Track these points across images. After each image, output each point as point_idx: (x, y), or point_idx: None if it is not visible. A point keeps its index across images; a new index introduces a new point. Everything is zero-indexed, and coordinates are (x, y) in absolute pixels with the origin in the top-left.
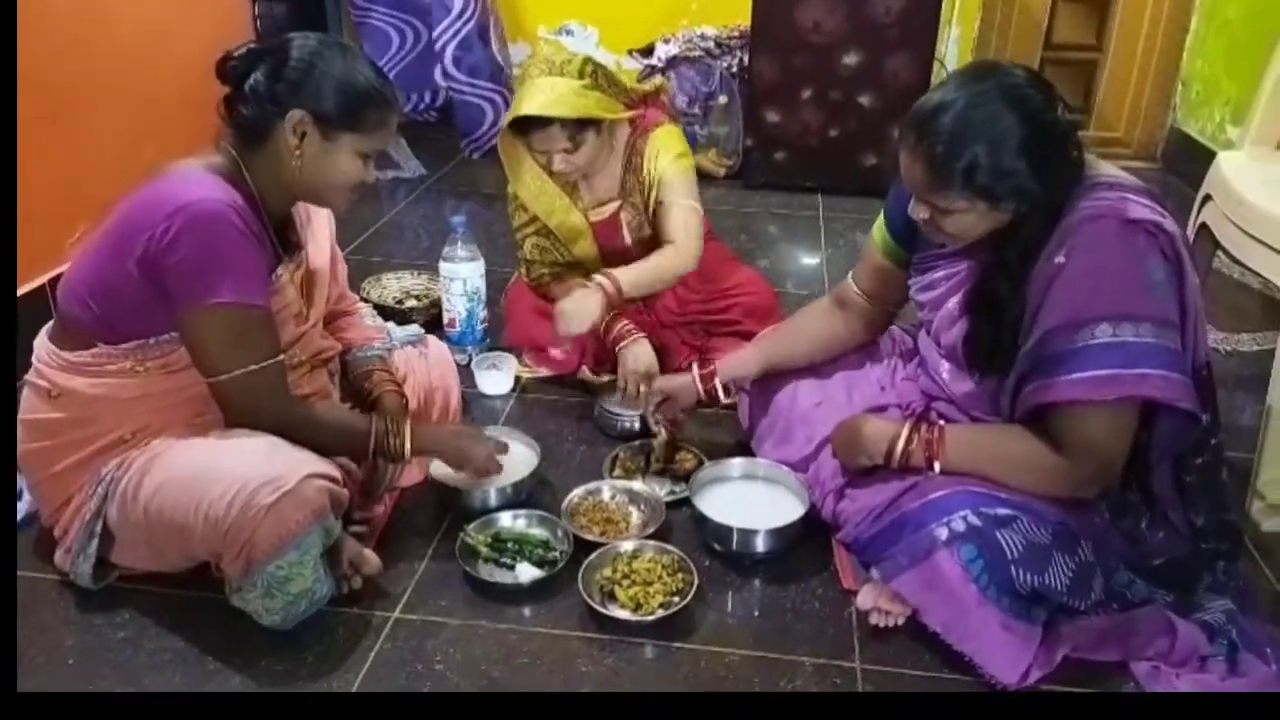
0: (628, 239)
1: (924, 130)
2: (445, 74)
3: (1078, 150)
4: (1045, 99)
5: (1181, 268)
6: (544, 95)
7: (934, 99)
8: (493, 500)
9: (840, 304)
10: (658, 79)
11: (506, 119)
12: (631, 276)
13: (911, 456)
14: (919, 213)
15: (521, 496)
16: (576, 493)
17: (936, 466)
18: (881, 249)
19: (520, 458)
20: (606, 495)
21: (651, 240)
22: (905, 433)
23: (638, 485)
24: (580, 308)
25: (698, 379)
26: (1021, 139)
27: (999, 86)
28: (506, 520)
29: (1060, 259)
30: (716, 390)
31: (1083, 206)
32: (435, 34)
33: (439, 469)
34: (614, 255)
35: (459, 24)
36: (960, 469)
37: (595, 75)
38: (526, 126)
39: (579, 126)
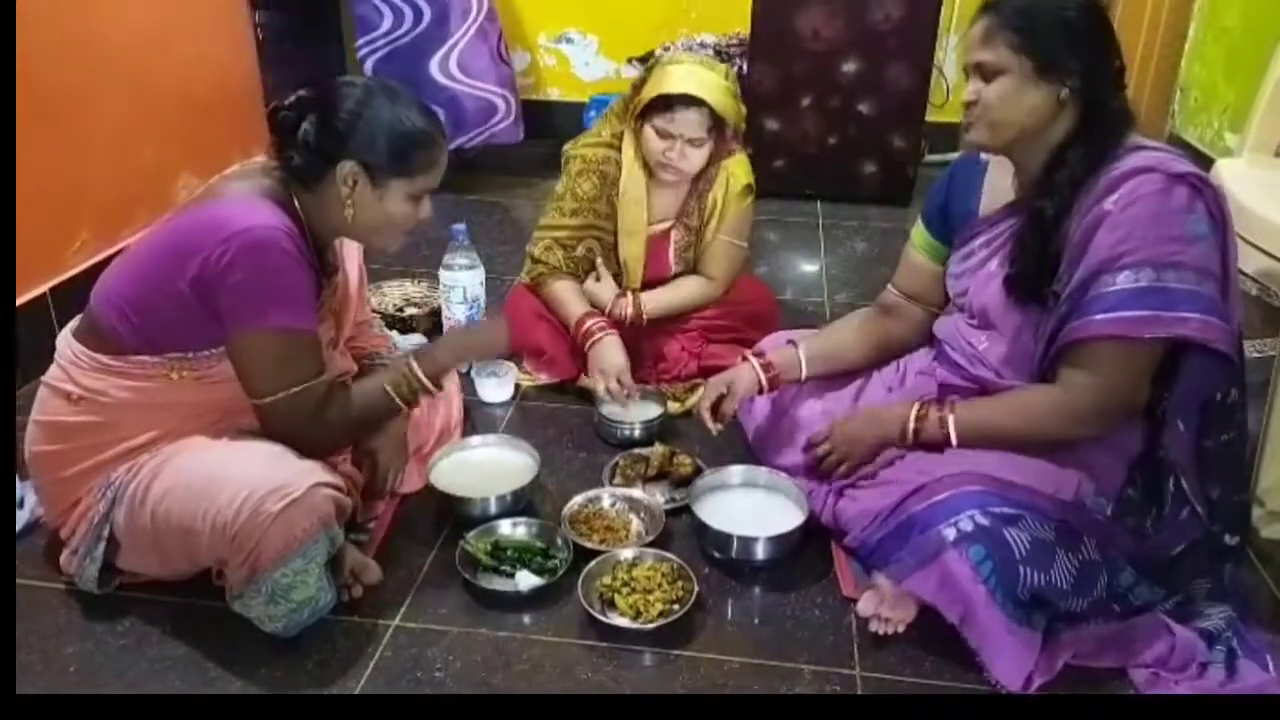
0: (672, 259)
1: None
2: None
3: (1122, 93)
4: (1106, 25)
5: (1226, 225)
6: (697, 79)
7: None
8: (493, 508)
9: (884, 311)
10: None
11: (647, 96)
12: (653, 304)
13: (924, 430)
14: (968, 91)
15: (521, 505)
16: (576, 500)
17: (951, 428)
18: (923, 249)
19: (519, 465)
20: (606, 503)
21: (691, 261)
22: (916, 409)
23: (637, 493)
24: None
25: (759, 369)
26: (1074, 17)
27: None
28: (506, 528)
29: (1108, 205)
30: (779, 381)
31: (1129, 159)
32: (361, 53)
33: (438, 478)
34: (650, 269)
35: (384, 44)
36: (972, 428)
37: (733, 84)
38: (669, 105)
39: (715, 123)
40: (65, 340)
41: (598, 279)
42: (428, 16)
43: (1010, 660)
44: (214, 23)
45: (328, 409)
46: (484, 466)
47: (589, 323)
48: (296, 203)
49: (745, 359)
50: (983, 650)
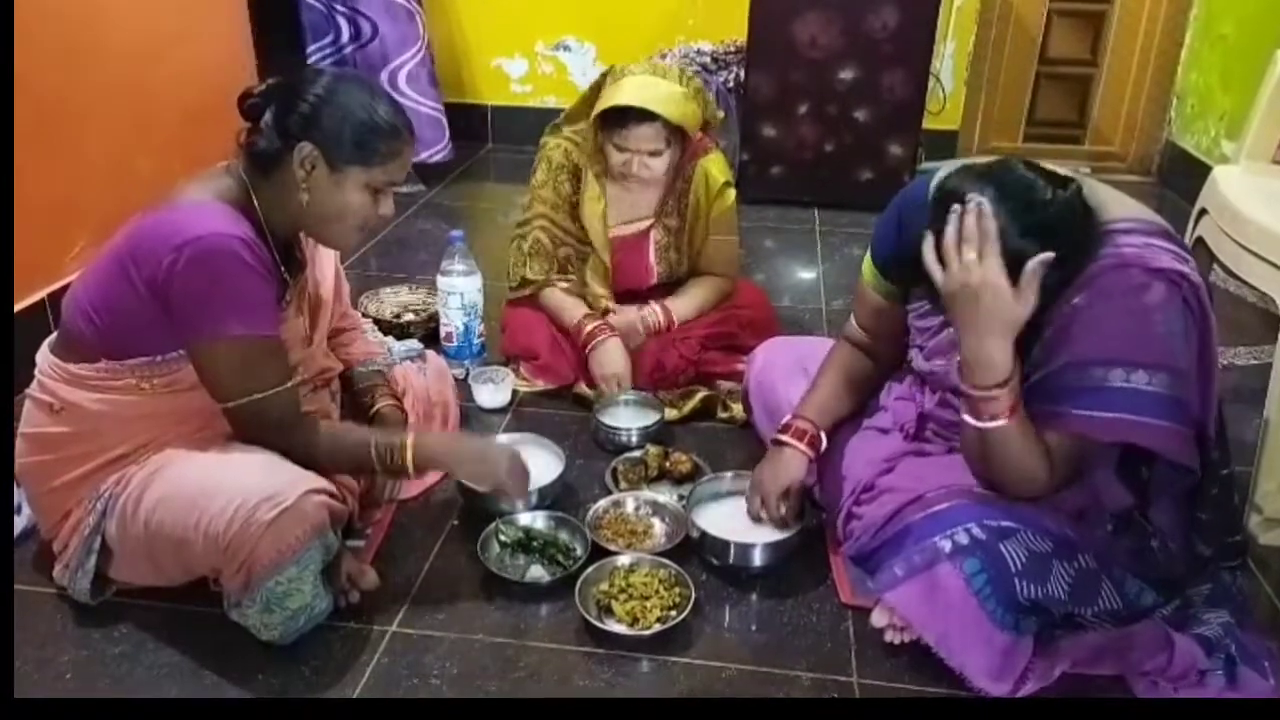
0: (652, 258)
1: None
2: None
3: (1087, 216)
4: (1044, 182)
5: (1205, 319)
6: (649, 91)
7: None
8: (518, 504)
9: (856, 345)
10: (720, 112)
11: (600, 107)
12: (682, 308)
13: None
14: None
15: (548, 501)
16: (601, 504)
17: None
18: (874, 286)
19: (545, 463)
20: (630, 507)
21: (674, 262)
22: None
23: (663, 498)
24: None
25: (802, 446)
26: (1050, 215)
27: (998, 186)
28: (541, 522)
29: (1079, 300)
30: (818, 440)
31: (1106, 254)
32: (312, 59)
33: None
34: (631, 272)
35: (331, 51)
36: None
37: (691, 88)
38: (623, 121)
39: (672, 132)
40: (42, 354)
41: (614, 313)
42: (370, 34)
43: (993, 669)
44: (212, 30)
45: (296, 429)
46: None
47: (590, 325)
48: (255, 199)
49: (781, 444)
50: (963, 665)
